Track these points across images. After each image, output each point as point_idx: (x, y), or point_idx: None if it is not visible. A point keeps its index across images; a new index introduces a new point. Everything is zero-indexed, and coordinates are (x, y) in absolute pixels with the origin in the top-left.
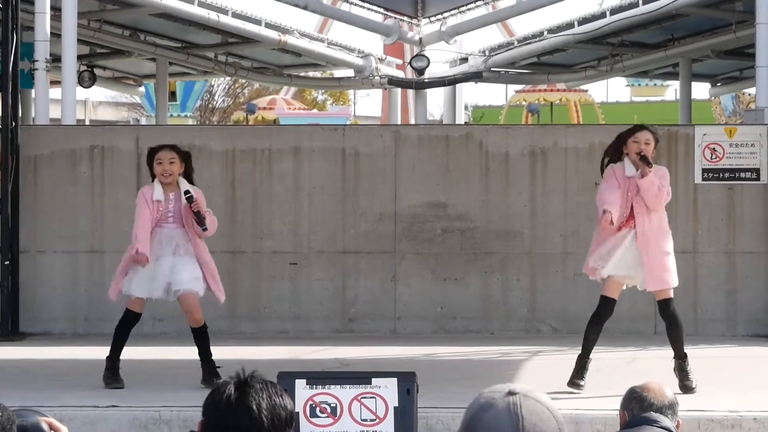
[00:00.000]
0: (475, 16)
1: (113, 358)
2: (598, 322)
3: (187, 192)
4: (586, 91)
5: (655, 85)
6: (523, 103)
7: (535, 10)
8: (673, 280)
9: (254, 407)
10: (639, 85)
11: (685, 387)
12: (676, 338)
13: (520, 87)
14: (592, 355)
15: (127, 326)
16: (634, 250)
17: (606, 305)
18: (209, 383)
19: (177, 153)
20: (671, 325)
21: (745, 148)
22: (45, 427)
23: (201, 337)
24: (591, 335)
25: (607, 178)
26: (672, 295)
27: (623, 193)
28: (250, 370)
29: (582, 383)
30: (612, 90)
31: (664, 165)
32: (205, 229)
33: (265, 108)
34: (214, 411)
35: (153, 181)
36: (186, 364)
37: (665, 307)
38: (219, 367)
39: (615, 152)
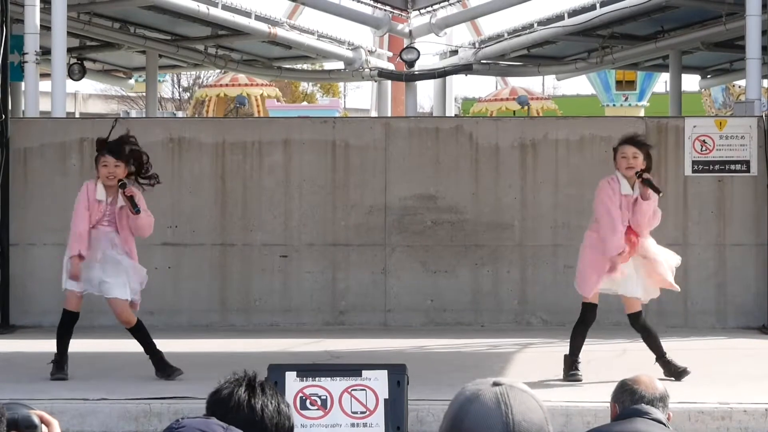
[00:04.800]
0: (466, 8)
1: (60, 353)
2: (584, 328)
3: (120, 180)
4: (549, 98)
5: (629, 105)
6: (486, 112)
7: (525, 3)
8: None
9: (262, 411)
10: (614, 105)
11: (678, 374)
12: (652, 344)
13: (485, 95)
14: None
15: (67, 327)
16: (629, 263)
17: (591, 311)
18: (164, 373)
19: (121, 158)
20: (645, 334)
21: (735, 140)
22: (35, 419)
23: (138, 335)
24: (578, 340)
25: (610, 196)
26: (641, 308)
27: (622, 203)
28: (255, 373)
29: (580, 374)
30: None
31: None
32: (137, 211)
33: (227, 85)
34: (220, 407)
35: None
36: (176, 357)
37: (636, 319)
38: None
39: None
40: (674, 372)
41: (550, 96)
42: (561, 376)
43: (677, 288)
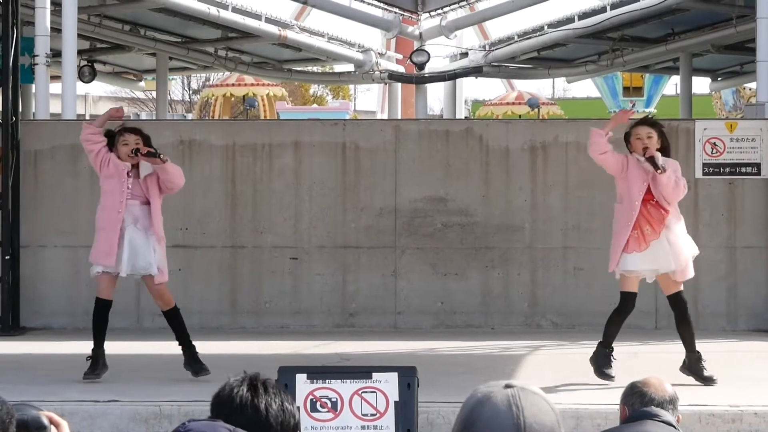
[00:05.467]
0: (475, 11)
1: (97, 346)
2: (620, 319)
3: (133, 149)
4: (554, 103)
5: (636, 111)
6: (492, 115)
7: (535, 5)
8: (692, 270)
9: (266, 410)
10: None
11: (705, 380)
12: (686, 333)
13: (491, 98)
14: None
15: (101, 315)
16: (658, 242)
17: (629, 300)
18: (194, 369)
19: (141, 136)
20: (680, 317)
21: (745, 142)
22: (45, 421)
23: (174, 320)
24: (612, 328)
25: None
26: (680, 289)
27: (640, 176)
28: (258, 372)
29: (613, 373)
30: None
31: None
32: (160, 157)
33: (234, 84)
34: (224, 408)
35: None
36: None
37: (675, 300)
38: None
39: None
40: (702, 377)
41: (555, 101)
42: (572, 379)
43: (690, 275)
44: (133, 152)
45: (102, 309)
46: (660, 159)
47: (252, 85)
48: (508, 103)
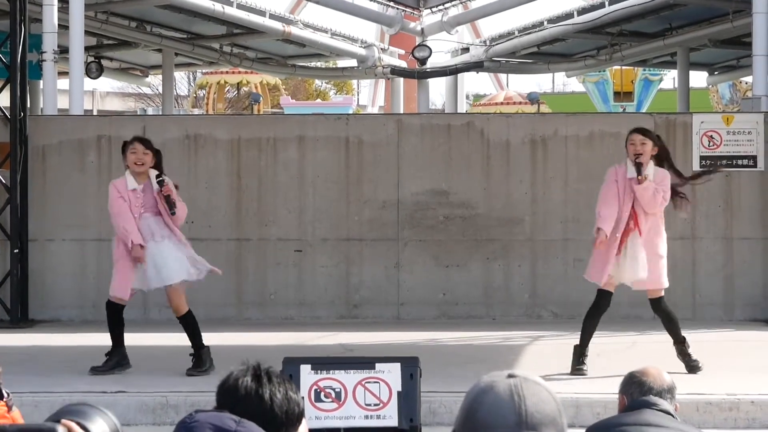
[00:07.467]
0: (475, 6)
1: (118, 344)
2: (596, 315)
3: (158, 176)
4: (543, 102)
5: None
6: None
7: (533, 2)
8: (665, 281)
9: (271, 399)
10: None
11: (692, 368)
12: (672, 329)
13: (482, 96)
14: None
15: (117, 315)
16: (632, 248)
17: (605, 298)
18: (197, 371)
19: (150, 147)
20: (665, 319)
21: (742, 135)
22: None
23: (186, 325)
24: (589, 328)
25: (608, 181)
26: (663, 294)
27: (622, 193)
28: (261, 362)
29: (585, 368)
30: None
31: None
32: (173, 214)
33: (228, 72)
34: (229, 398)
35: (125, 172)
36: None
37: (657, 304)
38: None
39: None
40: (688, 363)
41: (544, 100)
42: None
43: (662, 285)
44: (158, 182)
45: (118, 310)
46: (646, 169)
47: (246, 72)
48: (497, 104)
